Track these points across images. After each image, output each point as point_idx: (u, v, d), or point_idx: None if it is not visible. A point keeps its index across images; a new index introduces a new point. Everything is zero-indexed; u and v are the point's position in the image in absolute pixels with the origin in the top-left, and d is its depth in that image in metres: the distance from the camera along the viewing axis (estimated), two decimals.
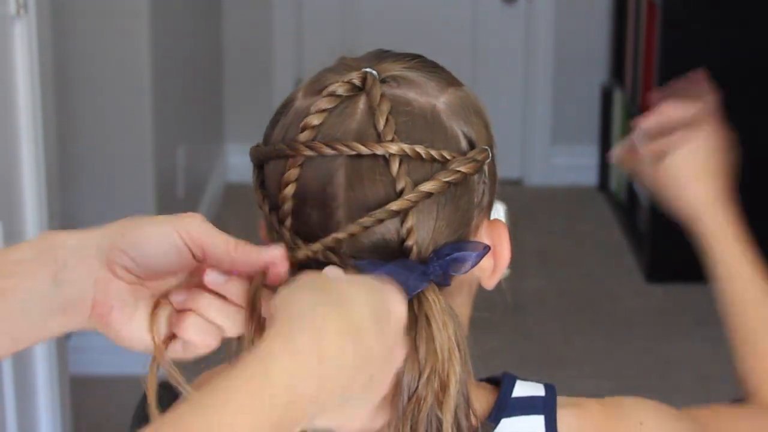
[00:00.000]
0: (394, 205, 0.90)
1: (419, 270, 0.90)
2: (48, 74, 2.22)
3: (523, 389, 0.99)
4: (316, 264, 0.91)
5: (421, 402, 0.89)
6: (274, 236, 0.96)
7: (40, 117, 2.16)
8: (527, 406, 0.98)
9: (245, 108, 4.65)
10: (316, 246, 0.91)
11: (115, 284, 0.86)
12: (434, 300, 0.90)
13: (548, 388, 0.99)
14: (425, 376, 0.89)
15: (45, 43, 2.19)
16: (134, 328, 0.88)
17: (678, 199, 1.31)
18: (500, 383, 1.00)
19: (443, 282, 0.92)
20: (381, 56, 0.99)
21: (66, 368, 2.36)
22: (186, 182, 3.69)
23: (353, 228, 0.90)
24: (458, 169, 0.92)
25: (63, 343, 2.35)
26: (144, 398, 1.41)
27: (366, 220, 0.90)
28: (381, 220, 0.91)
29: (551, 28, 4.57)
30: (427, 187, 0.91)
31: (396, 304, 0.84)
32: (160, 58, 3.20)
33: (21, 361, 2.15)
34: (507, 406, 0.98)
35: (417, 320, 0.90)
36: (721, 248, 1.28)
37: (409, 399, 0.89)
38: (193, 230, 0.87)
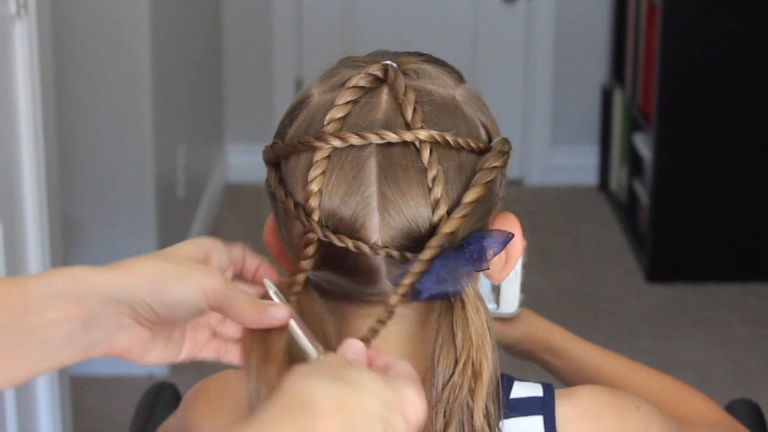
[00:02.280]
0: (448, 227, 0.90)
1: (461, 257, 0.91)
2: (48, 74, 2.22)
3: (521, 390, 0.98)
4: (344, 253, 0.92)
5: (457, 390, 0.89)
6: (294, 232, 0.95)
7: (40, 117, 2.15)
8: (526, 407, 0.97)
9: (245, 108, 4.64)
10: (347, 240, 0.91)
11: (137, 330, 0.89)
12: (468, 285, 0.91)
13: (546, 387, 0.99)
14: (461, 363, 0.89)
15: (45, 43, 2.19)
16: (149, 359, 0.91)
17: (531, 335, 1.31)
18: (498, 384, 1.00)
19: (478, 267, 0.92)
20: (392, 52, 1.00)
21: (66, 368, 2.36)
22: (186, 182, 3.69)
23: (417, 266, 0.90)
24: (493, 165, 0.93)
25: None
26: (144, 398, 1.42)
27: (427, 253, 0.89)
28: (440, 246, 0.90)
29: (551, 28, 4.57)
30: (472, 196, 0.91)
31: (412, 405, 0.82)
32: (160, 59, 3.20)
33: None
34: (505, 408, 0.97)
35: (453, 306, 0.90)
36: (580, 345, 1.30)
37: (444, 387, 0.89)
38: (218, 293, 0.88)
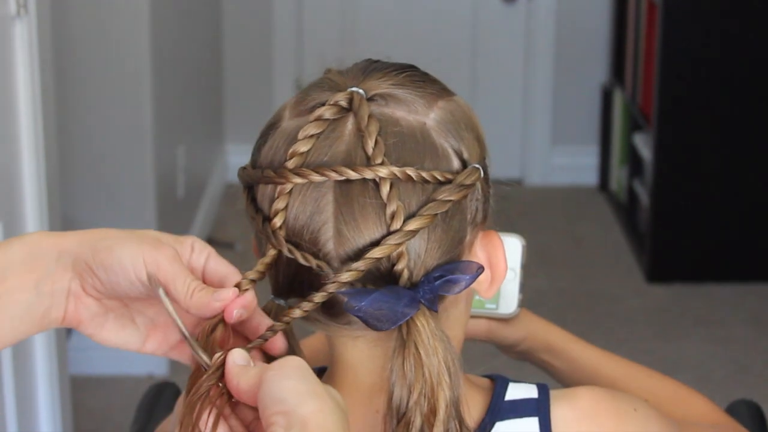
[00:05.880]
0: (378, 252, 0.89)
1: (408, 296, 0.89)
2: (48, 74, 2.22)
3: (515, 392, 0.98)
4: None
5: (410, 425, 0.88)
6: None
7: (40, 117, 2.15)
8: (521, 409, 0.97)
9: (245, 108, 4.65)
10: (311, 260, 0.90)
11: (84, 299, 0.89)
12: (423, 325, 0.89)
13: (541, 388, 0.99)
14: (413, 400, 0.88)
15: (45, 43, 2.19)
16: (105, 336, 0.91)
17: (530, 335, 1.30)
18: (493, 386, 0.99)
19: (432, 306, 0.90)
20: (368, 70, 0.97)
21: (66, 368, 2.36)
22: (186, 182, 3.69)
23: (332, 287, 0.90)
24: (448, 198, 0.91)
25: (63, 343, 2.35)
26: (144, 398, 1.42)
27: (346, 275, 0.89)
28: (365, 269, 0.89)
29: (551, 28, 4.57)
30: (414, 225, 0.89)
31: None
32: (160, 58, 3.20)
33: (21, 361, 2.15)
34: (500, 410, 0.97)
35: (405, 346, 0.89)
36: (580, 346, 1.30)
37: (398, 422, 0.88)
38: (161, 267, 0.87)
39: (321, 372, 1.00)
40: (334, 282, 0.89)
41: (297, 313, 0.90)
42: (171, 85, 3.43)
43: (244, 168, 0.98)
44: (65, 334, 2.43)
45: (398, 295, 0.89)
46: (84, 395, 3.01)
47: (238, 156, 4.61)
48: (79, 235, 0.88)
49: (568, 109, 4.66)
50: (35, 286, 0.87)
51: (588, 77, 4.64)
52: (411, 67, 0.98)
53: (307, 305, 0.90)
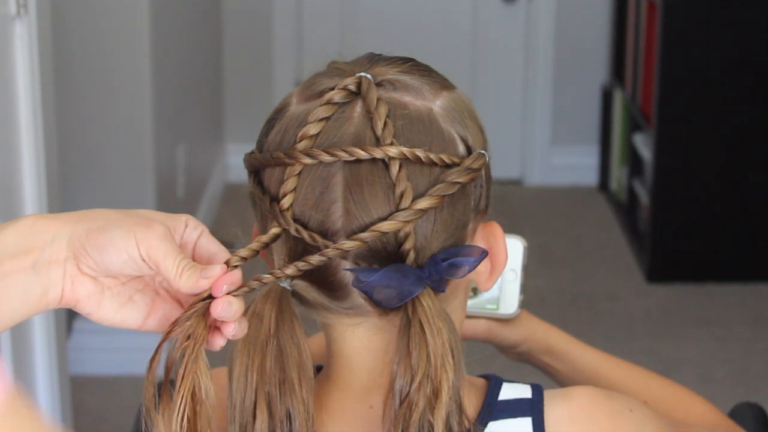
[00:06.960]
0: (385, 226, 0.90)
1: (414, 274, 0.90)
2: (48, 74, 2.22)
3: (509, 392, 0.98)
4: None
5: (413, 407, 0.88)
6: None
7: (40, 117, 2.16)
8: (514, 409, 0.97)
9: (245, 108, 4.65)
10: (318, 239, 0.91)
11: (80, 278, 0.89)
12: (429, 305, 0.90)
13: (535, 388, 0.99)
14: (417, 381, 0.88)
15: (45, 43, 2.19)
16: (103, 314, 0.91)
17: (530, 336, 1.31)
18: (487, 385, 0.99)
19: (438, 287, 0.91)
20: (373, 60, 0.99)
21: (66, 368, 2.36)
22: (186, 182, 3.69)
23: (331, 252, 0.90)
24: (456, 180, 0.92)
25: (63, 343, 2.35)
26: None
27: (348, 244, 0.89)
28: (366, 241, 0.90)
29: (551, 28, 4.57)
30: (424, 204, 0.90)
31: None
32: (160, 58, 3.20)
33: (21, 361, 2.15)
34: (494, 410, 0.97)
35: (410, 325, 0.89)
36: (579, 347, 1.30)
37: (401, 403, 0.89)
38: (152, 247, 0.87)
39: (318, 371, 1.00)
40: (336, 249, 0.89)
41: (290, 270, 0.90)
42: (171, 84, 3.43)
43: (251, 153, 0.98)
44: (65, 333, 2.43)
45: (405, 273, 0.90)
46: (84, 395, 3.01)
47: (238, 156, 4.60)
48: (72, 216, 0.89)
49: (568, 109, 4.66)
50: (32, 267, 0.88)
51: (588, 77, 4.64)
52: (413, 59, 1.00)
53: (302, 264, 0.90)
